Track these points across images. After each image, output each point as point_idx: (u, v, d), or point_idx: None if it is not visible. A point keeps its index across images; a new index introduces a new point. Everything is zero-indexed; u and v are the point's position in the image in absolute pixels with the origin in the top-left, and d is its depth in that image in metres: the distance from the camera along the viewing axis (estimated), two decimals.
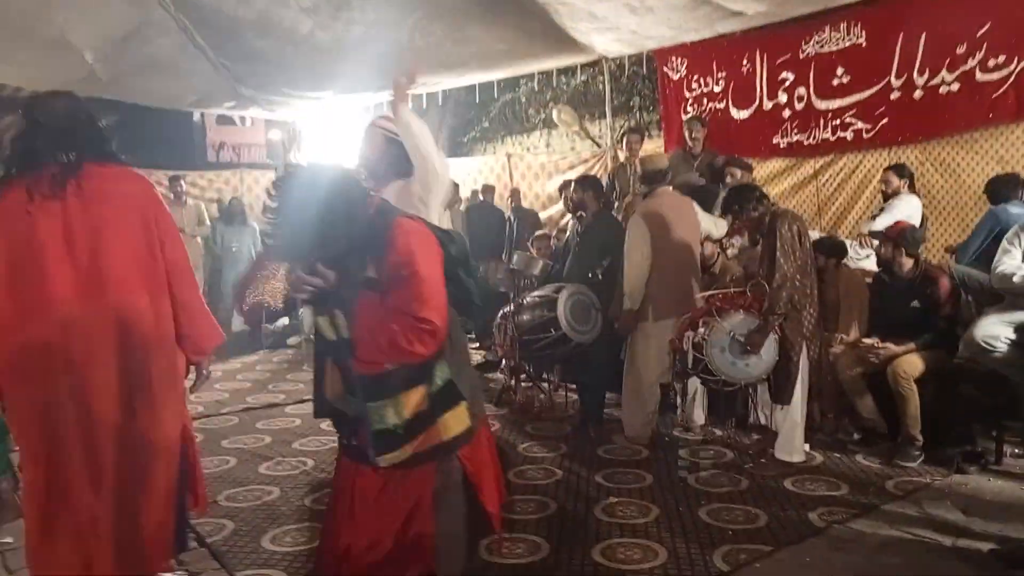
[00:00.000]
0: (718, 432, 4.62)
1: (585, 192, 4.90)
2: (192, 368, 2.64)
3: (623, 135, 6.69)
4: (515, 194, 8.69)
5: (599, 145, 9.05)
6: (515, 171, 9.52)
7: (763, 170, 6.86)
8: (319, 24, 6.70)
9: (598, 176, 6.76)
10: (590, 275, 4.75)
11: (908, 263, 4.17)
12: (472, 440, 2.15)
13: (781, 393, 3.91)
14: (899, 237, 4.16)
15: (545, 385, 5.52)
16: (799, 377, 3.89)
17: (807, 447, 4.30)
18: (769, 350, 3.80)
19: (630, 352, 4.51)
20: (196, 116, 11.57)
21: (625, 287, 4.28)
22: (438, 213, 2.80)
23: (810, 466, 4.06)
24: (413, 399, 2.03)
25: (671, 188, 4.87)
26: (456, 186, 8.54)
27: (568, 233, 5.52)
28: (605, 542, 3.22)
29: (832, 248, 4.62)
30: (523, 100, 10.24)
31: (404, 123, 2.72)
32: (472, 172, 9.61)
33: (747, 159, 6.05)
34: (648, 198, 4.68)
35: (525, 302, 4.93)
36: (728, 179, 5.45)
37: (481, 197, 8.45)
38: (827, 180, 6.60)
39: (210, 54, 7.36)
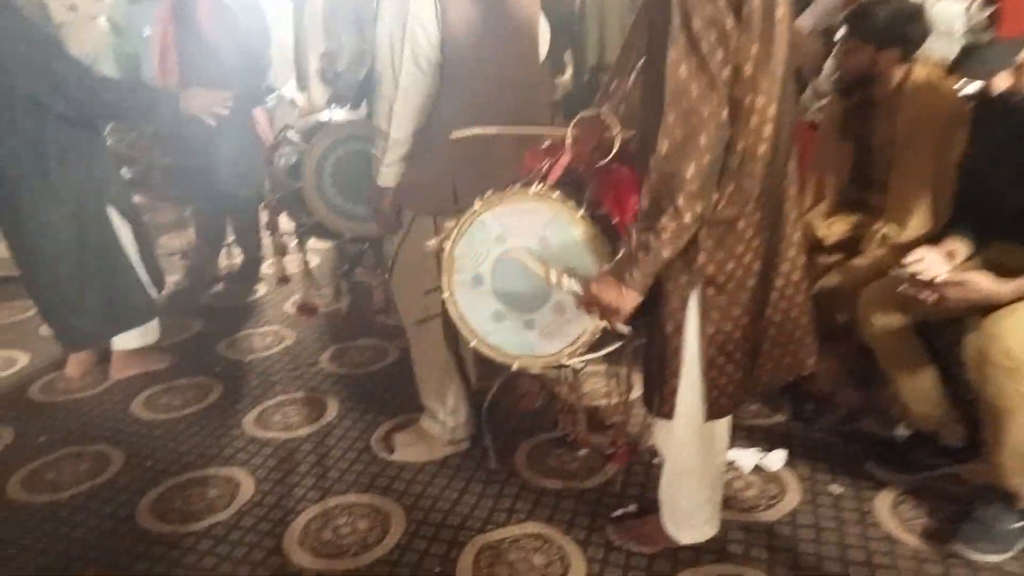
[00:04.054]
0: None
1: None
2: None
3: None
4: None
5: None
6: None
7: None
8: None
9: None
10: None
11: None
12: None
13: (652, 394, 1.61)
14: None
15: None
16: (684, 360, 1.54)
17: (775, 460, 2.08)
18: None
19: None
20: None
21: (389, 128, 1.92)
22: None
23: (761, 531, 1.85)
24: None
25: None
26: None
27: None
28: None
29: (890, 23, 1.98)
30: None
31: None
32: None
33: None
34: None
35: (287, 134, 2.71)
36: None
37: None
38: None
39: None
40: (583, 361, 1.55)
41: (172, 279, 3.82)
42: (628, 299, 1.41)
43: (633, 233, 1.38)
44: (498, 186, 1.54)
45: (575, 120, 1.56)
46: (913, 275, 1.67)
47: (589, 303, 1.44)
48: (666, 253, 1.37)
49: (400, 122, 1.81)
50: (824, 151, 2.20)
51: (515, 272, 1.50)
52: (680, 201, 1.32)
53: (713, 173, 1.35)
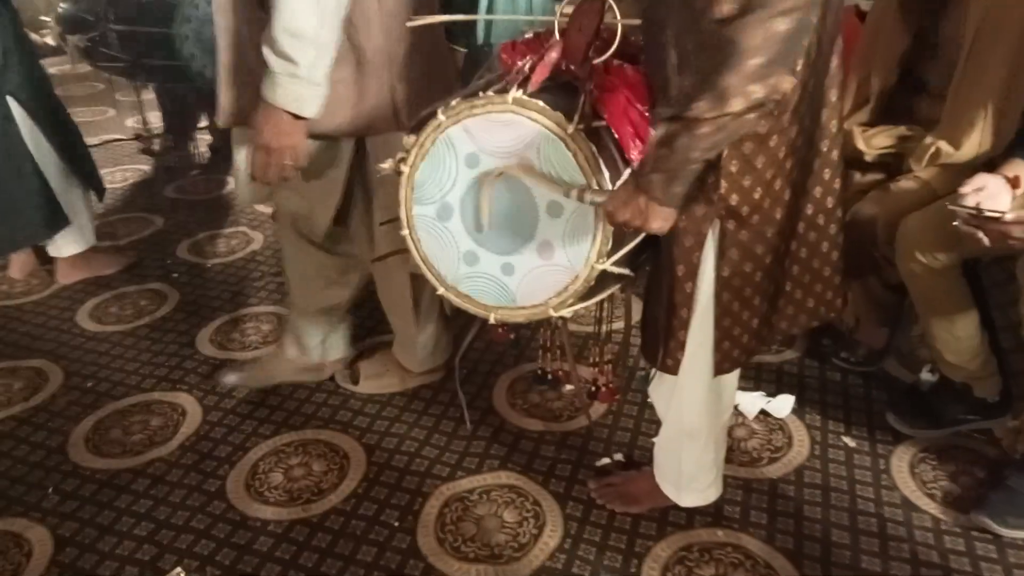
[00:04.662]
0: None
1: None
2: None
3: None
4: None
5: None
6: None
7: None
8: None
9: None
10: None
11: None
12: None
13: (652, 343, 1.36)
14: None
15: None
16: (696, 309, 1.29)
17: (783, 406, 1.85)
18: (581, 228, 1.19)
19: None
20: None
21: (320, 27, 1.33)
22: None
23: (759, 491, 1.64)
24: None
25: None
26: None
27: None
28: None
29: None
30: None
31: None
32: None
33: None
34: None
35: None
36: None
37: None
38: None
39: None
40: (573, 311, 1.28)
41: (137, 167, 3.52)
42: (655, 214, 1.06)
43: (658, 122, 1.02)
44: (464, 93, 1.21)
45: (566, 3, 1.22)
46: (977, 209, 1.37)
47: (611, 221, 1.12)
48: (696, 153, 1.00)
49: (329, 17, 1.33)
50: (872, 45, 1.83)
51: (494, 201, 1.20)
52: (730, 80, 0.93)
53: (791, 49, 0.94)
